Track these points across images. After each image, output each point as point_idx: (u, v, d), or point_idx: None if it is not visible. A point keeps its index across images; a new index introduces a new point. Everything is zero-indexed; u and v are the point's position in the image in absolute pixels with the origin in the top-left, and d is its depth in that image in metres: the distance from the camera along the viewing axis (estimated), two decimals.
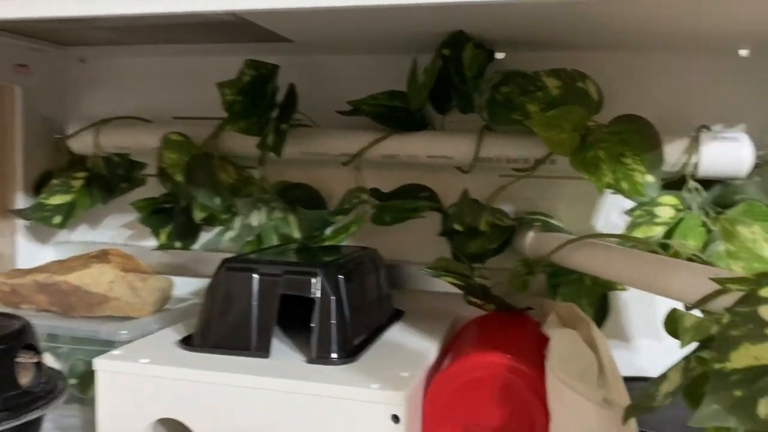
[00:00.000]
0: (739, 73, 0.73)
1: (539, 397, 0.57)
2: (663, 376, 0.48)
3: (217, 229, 0.89)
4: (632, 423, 0.52)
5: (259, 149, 0.75)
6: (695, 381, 0.46)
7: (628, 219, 0.76)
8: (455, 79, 0.72)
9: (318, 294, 0.60)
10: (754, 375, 0.35)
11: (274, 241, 0.79)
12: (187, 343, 0.63)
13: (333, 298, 0.60)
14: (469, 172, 0.75)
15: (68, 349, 0.74)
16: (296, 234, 0.81)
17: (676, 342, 0.75)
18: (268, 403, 0.54)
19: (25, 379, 0.61)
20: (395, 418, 0.52)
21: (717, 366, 0.36)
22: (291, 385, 0.54)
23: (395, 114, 0.77)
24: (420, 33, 0.69)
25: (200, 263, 0.89)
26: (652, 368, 0.56)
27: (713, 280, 0.41)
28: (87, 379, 0.74)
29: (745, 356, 0.35)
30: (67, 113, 0.92)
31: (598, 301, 0.74)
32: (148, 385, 0.57)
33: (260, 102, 0.74)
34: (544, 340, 0.65)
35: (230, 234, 0.76)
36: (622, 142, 0.66)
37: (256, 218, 0.77)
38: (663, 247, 0.59)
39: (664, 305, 0.76)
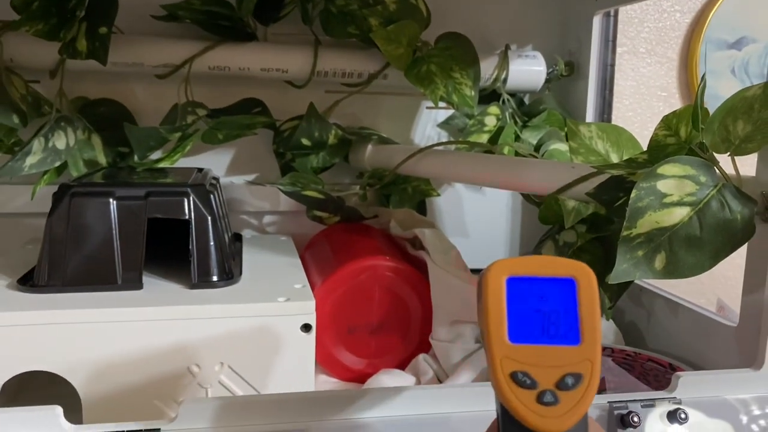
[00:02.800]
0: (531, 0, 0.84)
1: (415, 291, 0.62)
2: (539, 254, 0.56)
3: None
4: None
5: (66, 57, 0.64)
6: (574, 254, 0.55)
7: (440, 131, 0.84)
8: None
9: (192, 215, 0.55)
10: (653, 236, 0.44)
11: (81, 166, 0.69)
12: (26, 284, 0.53)
13: (209, 218, 0.56)
14: (305, 86, 0.74)
15: None
16: (102, 159, 0.71)
17: (480, 238, 0.87)
18: (157, 335, 0.49)
19: None
20: (306, 327, 0.52)
21: (625, 233, 0.44)
22: (194, 311, 0.50)
23: (216, 22, 0.72)
24: None
25: None
26: (465, 261, 0.65)
27: (600, 168, 0.49)
28: None
29: (648, 222, 0.44)
30: None
31: (417, 207, 0.81)
32: (1, 337, 0.47)
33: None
34: (395, 242, 0.70)
35: (32, 159, 0.63)
36: (452, 58, 0.72)
37: (62, 140, 0.66)
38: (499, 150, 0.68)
39: (470, 207, 0.87)
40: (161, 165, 0.68)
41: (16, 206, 0.73)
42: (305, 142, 0.72)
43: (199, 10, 0.71)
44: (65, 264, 0.53)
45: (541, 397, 0.28)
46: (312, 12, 0.73)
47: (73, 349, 0.48)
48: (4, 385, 0.47)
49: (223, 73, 0.72)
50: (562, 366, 0.29)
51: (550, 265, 0.31)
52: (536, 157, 0.65)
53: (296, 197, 0.69)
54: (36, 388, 0.55)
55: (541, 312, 0.30)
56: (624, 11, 0.92)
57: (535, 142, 0.76)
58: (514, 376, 0.29)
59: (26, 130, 0.66)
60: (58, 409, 0.36)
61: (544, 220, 0.60)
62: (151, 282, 0.55)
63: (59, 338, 0.48)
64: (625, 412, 0.41)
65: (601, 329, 0.31)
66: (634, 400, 0.42)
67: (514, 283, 0.31)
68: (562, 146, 0.71)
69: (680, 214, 0.43)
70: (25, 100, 0.67)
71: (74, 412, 0.47)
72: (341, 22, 0.71)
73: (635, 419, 0.41)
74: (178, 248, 0.57)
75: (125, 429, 0.36)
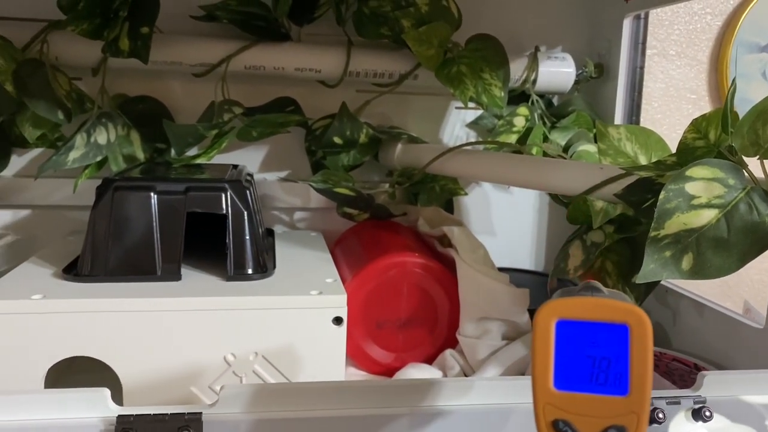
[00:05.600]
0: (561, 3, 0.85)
1: (443, 287, 0.63)
2: (566, 254, 0.57)
3: (34, 152, 0.77)
4: (526, 299, 0.61)
5: (110, 55, 0.66)
6: (601, 254, 0.56)
7: (468, 131, 0.85)
8: None
9: (229, 210, 0.57)
10: (681, 237, 0.44)
11: (121, 161, 0.72)
12: (70, 274, 0.55)
13: (245, 213, 0.58)
14: (337, 85, 0.76)
15: None
16: (140, 154, 0.74)
17: (507, 237, 0.87)
18: (195, 324, 0.51)
19: None
20: (338, 320, 0.53)
21: (653, 234, 0.45)
22: (232, 302, 0.52)
23: (252, 22, 0.74)
24: None
25: (11, 192, 0.76)
26: (493, 260, 0.66)
27: (629, 170, 0.50)
28: None
29: (676, 223, 0.44)
30: None
31: (444, 205, 0.82)
32: (47, 323, 0.49)
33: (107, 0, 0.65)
34: (423, 240, 0.71)
35: (74, 154, 0.66)
36: (482, 59, 0.73)
37: (103, 136, 0.69)
38: (529, 150, 0.68)
39: (497, 206, 0.88)
40: (198, 161, 0.70)
41: (59, 199, 0.76)
42: (337, 140, 0.73)
43: (235, 10, 0.73)
44: (108, 254, 0.55)
45: None
46: (345, 13, 0.74)
47: (115, 336, 0.50)
48: (48, 369, 0.50)
49: (259, 73, 0.74)
50: (606, 417, 0.28)
51: (604, 309, 0.29)
52: (565, 158, 0.66)
53: (327, 194, 0.71)
54: (76, 373, 0.57)
55: (591, 358, 0.29)
56: (654, 14, 0.92)
57: (563, 143, 0.77)
58: (555, 425, 0.28)
59: (69, 125, 0.69)
60: (106, 392, 0.38)
61: (572, 220, 0.61)
62: (188, 274, 0.57)
63: (102, 326, 0.50)
64: (650, 408, 0.42)
65: (651, 381, 0.29)
66: (660, 398, 0.43)
67: (564, 326, 0.29)
68: (591, 147, 0.72)
69: (708, 216, 0.44)
70: (69, 96, 0.69)
71: (117, 395, 0.49)
72: (374, 23, 0.73)
73: (660, 416, 0.42)
74: (214, 242, 0.59)
75: (169, 412, 0.38)
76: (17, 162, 0.77)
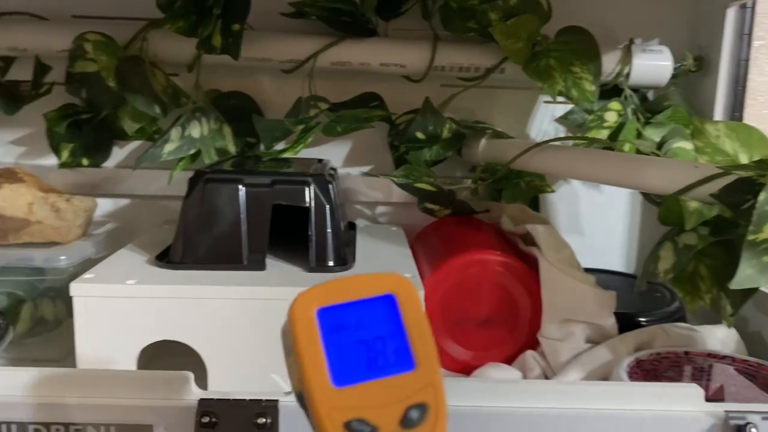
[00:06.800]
0: None
1: (525, 287, 0.61)
2: (656, 256, 0.55)
3: (133, 144, 0.81)
4: (613, 301, 0.59)
5: (204, 52, 0.69)
6: (695, 257, 0.53)
7: (557, 126, 0.83)
8: None
9: (312, 203, 0.58)
10: None
11: (213, 154, 0.74)
12: (163, 261, 0.58)
13: (327, 206, 0.59)
14: (421, 80, 0.76)
15: None
16: (231, 147, 0.76)
17: (596, 236, 0.85)
18: (277, 313, 0.53)
19: None
20: None
21: (750, 237, 0.42)
22: None
23: (340, 18, 0.75)
24: None
25: (112, 182, 0.81)
26: (579, 259, 0.64)
27: (727, 169, 0.47)
28: (12, 314, 0.66)
29: None
30: None
31: (529, 202, 0.80)
32: (139, 307, 0.52)
33: None
34: (506, 237, 0.70)
35: (170, 147, 0.69)
36: (572, 52, 0.71)
37: (197, 129, 0.72)
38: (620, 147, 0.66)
39: (587, 204, 0.85)
40: (285, 155, 0.72)
41: (155, 189, 0.80)
42: (419, 135, 0.73)
43: (324, 6, 0.74)
44: (198, 243, 0.57)
45: None
46: (432, 7, 0.74)
47: (202, 322, 0.52)
48: (140, 351, 0.53)
49: (344, 68, 0.75)
50: (402, 399, 0.25)
51: (363, 285, 0.26)
52: (658, 156, 0.63)
53: (408, 189, 0.71)
54: (169, 356, 0.60)
55: (364, 342, 0.26)
56: (764, 2, 0.86)
57: (658, 139, 0.73)
58: (349, 427, 0.24)
59: (166, 119, 0.72)
60: (190, 375, 0.39)
61: (663, 221, 0.58)
62: (273, 264, 0.59)
63: (190, 311, 0.52)
64: (742, 423, 0.40)
65: (435, 346, 0.26)
66: (754, 412, 0.40)
67: (326, 314, 0.26)
68: (687, 145, 0.68)
69: None
70: (166, 92, 0.73)
71: (198, 381, 0.51)
72: (461, 17, 0.72)
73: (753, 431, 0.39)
74: (297, 234, 0.60)
75: (248, 398, 0.39)
76: (118, 154, 0.81)
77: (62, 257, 0.64)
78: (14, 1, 0.75)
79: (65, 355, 0.55)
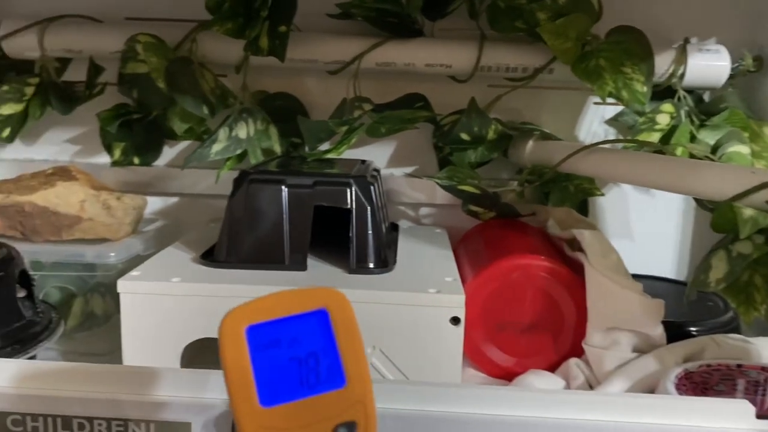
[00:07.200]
0: None
1: (570, 293, 0.60)
2: (708, 264, 0.53)
3: (183, 144, 0.83)
4: (661, 310, 0.57)
5: (251, 53, 0.70)
6: (749, 267, 0.51)
7: (608, 128, 0.81)
8: None
9: (353, 204, 0.58)
10: None
11: (259, 154, 0.75)
12: (207, 259, 0.59)
13: (368, 208, 0.59)
14: (467, 81, 0.75)
15: (39, 276, 0.67)
16: (277, 148, 0.77)
17: (647, 242, 0.82)
18: None
19: (24, 309, 0.55)
20: (455, 320, 0.53)
21: None
22: (352, 295, 0.52)
23: (385, 18, 0.75)
24: None
25: (162, 180, 0.82)
26: (628, 266, 0.62)
27: None
28: (64, 308, 0.68)
29: None
30: None
31: (578, 206, 0.78)
32: (183, 305, 0.53)
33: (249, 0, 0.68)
34: (552, 242, 0.68)
35: (217, 147, 0.70)
36: (623, 52, 0.69)
37: (244, 130, 0.72)
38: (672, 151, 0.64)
39: (638, 209, 0.83)
40: (329, 156, 0.72)
41: (203, 188, 0.81)
42: (464, 136, 0.72)
43: (370, 7, 0.74)
44: (241, 243, 0.58)
45: None
46: (479, 7, 0.73)
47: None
48: (184, 348, 0.54)
49: (389, 69, 0.75)
50: (330, 418, 0.24)
51: (294, 300, 0.26)
52: (712, 160, 0.60)
53: (451, 191, 0.70)
54: (209, 354, 0.61)
55: (296, 359, 0.25)
56: None
57: (712, 143, 0.71)
58: None
59: (214, 120, 0.74)
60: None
61: (716, 228, 0.56)
62: (314, 264, 0.59)
63: None
64: None
65: (367, 363, 0.25)
66: None
67: (255, 332, 0.25)
68: (744, 149, 0.65)
69: None
70: (214, 92, 0.74)
71: None
72: (508, 16, 0.71)
73: None
74: (338, 235, 0.60)
75: None
76: (168, 153, 0.83)
77: (112, 254, 0.66)
78: (70, 4, 0.77)
79: (113, 350, 0.56)
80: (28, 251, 0.64)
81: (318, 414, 0.25)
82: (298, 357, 0.25)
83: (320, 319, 0.26)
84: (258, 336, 0.26)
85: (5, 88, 0.71)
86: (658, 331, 0.56)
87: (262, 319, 0.26)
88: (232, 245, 0.58)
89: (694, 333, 0.60)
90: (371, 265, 0.58)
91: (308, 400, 0.25)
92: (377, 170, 0.70)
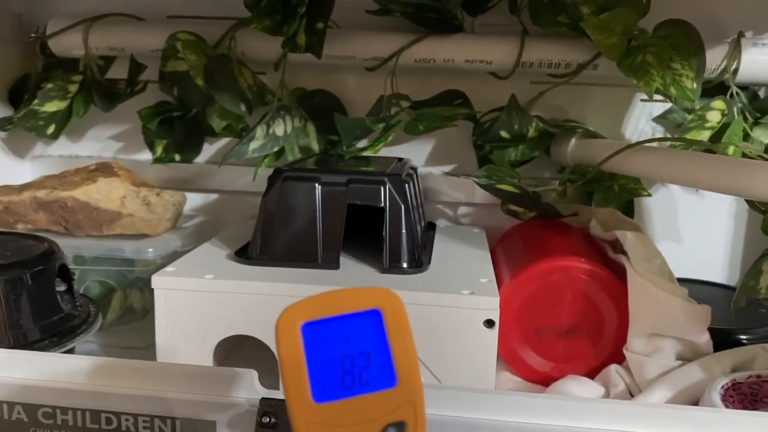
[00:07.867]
0: None
1: (611, 297, 0.58)
2: (758, 270, 0.50)
3: (222, 141, 0.84)
4: (707, 316, 0.54)
5: (288, 50, 0.70)
6: None
7: (655, 126, 0.78)
8: None
9: (387, 203, 0.57)
10: None
11: (296, 152, 0.75)
12: (242, 256, 0.59)
13: (402, 207, 0.58)
14: (508, 77, 0.73)
15: (79, 270, 0.68)
16: (314, 146, 0.76)
17: (695, 245, 0.79)
18: None
19: (63, 302, 0.56)
20: (489, 323, 0.51)
21: None
22: None
23: (424, 14, 0.73)
24: None
25: (202, 177, 0.83)
26: (675, 269, 0.59)
27: None
28: (103, 302, 0.69)
29: None
30: (39, 9, 0.81)
31: (623, 207, 0.76)
32: (216, 301, 0.53)
33: None
34: (594, 243, 0.66)
35: (254, 144, 0.70)
36: (672, 47, 0.66)
37: (281, 127, 0.72)
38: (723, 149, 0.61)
39: (686, 210, 0.80)
40: (365, 154, 0.72)
41: (241, 185, 0.82)
42: (504, 134, 0.70)
43: (409, 3, 0.73)
44: (275, 240, 0.58)
45: None
46: (521, 2, 0.71)
47: (275, 318, 0.53)
48: (216, 345, 0.54)
49: (428, 65, 0.73)
50: (380, 417, 0.25)
51: (349, 299, 0.26)
52: (766, 160, 0.57)
53: (490, 190, 0.68)
54: (243, 351, 0.61)
55: (349, 357, 0.26)
56: None
57: (767, 141, 0.67)
58: None
59: (252, 117, 0.74)
60: (254, 373, 0.39)
61: (767, 231, 0.53)
62: (347, 263, 0.58)
63: (264, 307, 0.53)
64: None
65: (418, 363, 0.25)
66: None
67: (311, 329, 0.26)
68: None
69: None
70: (252, 90, 0.74)
71: (272, 376, 0.51)
72: (551, 10, 0.69)
73: None
74: (372, 234, 0.59)
75: None
76: (208, 150, 0.84)
77: (150, 249, 0.66)
78: (114, 3, 0.78)
79: (150, 344, 0.57)
80: (70, 246, 0.66)
81: (368, 412, 0.25)
82: (351, 355, 0.26)
83: (374, 319, 0.27)
84: (313, 333, 0.26)
85: (50, 85, 0.73)
86: (704, 338, 0.54)
87: (317, 317, 0.26)
88: (266, 243, 0.58)
89: (744, 341, 0.57)
90: (404, 265, 0.57)
91: (359, 398, 0.25)
92: (414, 168, 0.69)
